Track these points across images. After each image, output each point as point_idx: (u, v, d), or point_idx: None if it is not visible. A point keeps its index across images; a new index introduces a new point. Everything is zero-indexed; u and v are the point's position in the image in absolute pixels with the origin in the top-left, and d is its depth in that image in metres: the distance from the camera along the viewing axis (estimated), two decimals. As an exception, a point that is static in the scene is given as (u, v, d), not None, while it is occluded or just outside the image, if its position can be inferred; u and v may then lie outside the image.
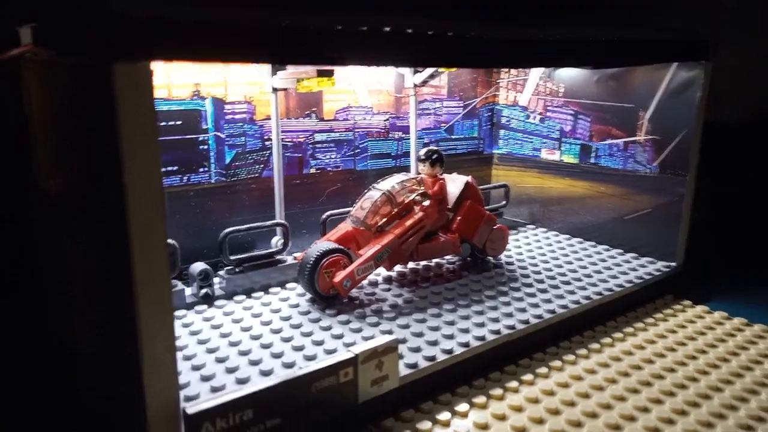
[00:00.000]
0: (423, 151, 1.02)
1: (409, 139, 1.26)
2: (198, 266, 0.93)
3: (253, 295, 0.96)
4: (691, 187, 1.09)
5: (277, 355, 0.76)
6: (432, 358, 0.76)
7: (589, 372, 0.83)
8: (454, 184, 1.07)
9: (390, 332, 0.83)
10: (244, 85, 1.02)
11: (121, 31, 0.47)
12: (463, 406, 0.73)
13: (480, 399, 0.75)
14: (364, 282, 1.01)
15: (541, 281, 1.03)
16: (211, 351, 0.77)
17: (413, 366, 0.74)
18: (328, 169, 1.16)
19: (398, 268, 1.07)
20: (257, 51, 0.56)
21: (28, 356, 0.80)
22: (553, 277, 1.05)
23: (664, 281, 1.09)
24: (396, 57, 0.70)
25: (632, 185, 1.17)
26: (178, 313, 0.88)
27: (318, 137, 1.14)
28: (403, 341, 0.81)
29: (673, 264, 1.11)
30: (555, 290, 0.99)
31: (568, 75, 1.26)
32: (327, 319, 0.87)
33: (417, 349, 0.78)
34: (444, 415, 0.71)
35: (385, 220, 0.95)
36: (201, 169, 1.01)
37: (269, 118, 1.06)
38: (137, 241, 0.50)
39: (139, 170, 0.49)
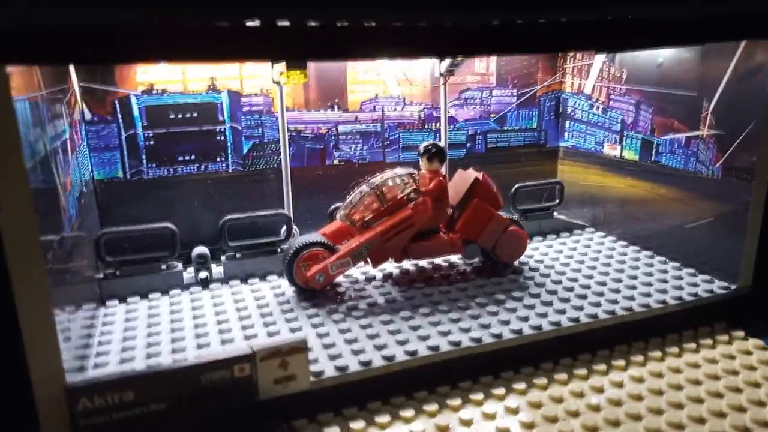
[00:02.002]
0: (421, 146, 0.96)
1: (449, 130, 1.20)
2: (197, 250, 0.99)
3: (250, 281, 1.00)
4: (759, 194, 0.88)
5: (227, 341, 0.79)
6: (379, 359, 0.73)
7: (575, 395, 0.72)
8: (463, 180, 0.99)
9: (349, 330, 0.82)
10: (262, 78, 1.05)
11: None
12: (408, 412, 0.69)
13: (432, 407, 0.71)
14: (356, 276, 1.00)
15: (554, 291, 0.92)
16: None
17: (342, 369, 0.72)
18: (354, 161, 1.16)
19: (401, 266, 1.04)
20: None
21: None
22: (586, 286, 0.93)
23: (716, 305, 0.91)
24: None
25: (694, 188, 0.99)
26: (173, 292, 0.96)
27: (342, 128, 1.13)
28: (354, 340, 0.79)
29: (733, 287, 0.92)
30: (576, 301, 0.88)
31: (631, 58, 1.09)
32: (299, 312, 0.88)
33: (360, 351, 0.76)
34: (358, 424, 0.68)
35: (372, 215, 0.92)
36: (218, 159, 1.07)
37: (288, 110, 1.08)
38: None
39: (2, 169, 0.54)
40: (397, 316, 0.85)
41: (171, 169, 1.04)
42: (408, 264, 1.05)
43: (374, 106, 1.15)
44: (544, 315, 0.85)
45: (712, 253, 0.96)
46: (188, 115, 1.03)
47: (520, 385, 0.75)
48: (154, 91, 1.00)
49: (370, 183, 0.94)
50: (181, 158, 1.04)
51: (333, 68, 1.10)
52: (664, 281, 0.96)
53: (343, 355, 0.76)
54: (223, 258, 1.01)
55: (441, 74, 1.10)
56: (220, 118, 1.05)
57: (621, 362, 0.80)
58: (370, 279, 1.00)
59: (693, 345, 0.84)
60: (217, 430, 0.67)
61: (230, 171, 1.08)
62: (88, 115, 0.97)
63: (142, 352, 0.77)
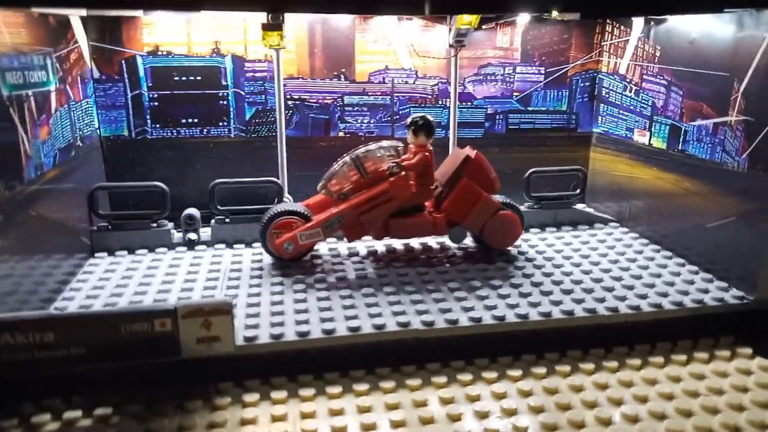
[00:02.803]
0: (409, 118, 0.91)
1: (464, 107, 1.14)
2: (187, 211, 1.00)
3: (235, 246, 1.00)
4: (786, 191, 0.76)
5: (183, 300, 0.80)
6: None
7: (523, 394, 0.66)
8: (455, 158, 0.93)
9: (303, 301, 0.79)
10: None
11: None
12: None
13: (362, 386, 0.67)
14: (341, 251, 0.97)
15: (539, 283, 0.84)
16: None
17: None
18: (360, 133, 1.12)
19: (389, 244, 1.00)
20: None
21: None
22: (577, 281, 0.85)
23: (724, 316, 0.79)
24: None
25: (718, 182, 0.86)
26: (159, 250, 0.98)
27: (348, 100, 1.10)
28: (304, 311, 0.76)
29: (750, 298, 0.80)
30: (562, 295, 0.81)
31: (666, 33, 0.97)
32: (266, 279, 0.86)
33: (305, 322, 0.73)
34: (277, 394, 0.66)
35: (350, 187, 0.89)
36: (221, 124, 1.07)
37: (292, 78, 1.07)
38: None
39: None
40: (359, 292, 0.82)
41: (174, 131, 1.06)
42: (398, 244, 1.00)
43: (384, 78, 1.11)
44: (513, 305, 0.78)
45: (732, 258, 0.84)
46: (192, 78, 1.04)
47: (466, 377, 0.69)
48: (160, 53, 1.02)
49: (352, 153, 0.90)
50: (184, 120, 1.06)
51: (340, 36, 1.07)
52: (671, 284, 0.85)
53: (285, 324, 0.74)
54: (212, 221, 1.02)
55: (450, 45, 1.03)
56: (224, 83, 1.06)
57: (612, 363, 0.72)
58: (353, 255, 0.97)
59: (683, 357, 0.74)
60: (144, 385, 0.67)
61: (232, 136, 1.09)
62: (96, 74, 1.01)
63: (101, 302, 0.80)
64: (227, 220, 1.01)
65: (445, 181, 0.92)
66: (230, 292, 0.82)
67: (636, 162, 1.06)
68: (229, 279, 0.87)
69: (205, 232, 1.02)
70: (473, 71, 1.13)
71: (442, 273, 0.89)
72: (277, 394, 0.66)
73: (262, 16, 0.94)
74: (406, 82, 1.11)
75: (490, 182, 0.93)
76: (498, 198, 0.95)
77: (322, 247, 0.99)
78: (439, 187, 0.92)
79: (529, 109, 1.17)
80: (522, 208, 1.08)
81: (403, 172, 0.88)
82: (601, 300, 0.80)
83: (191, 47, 1.03)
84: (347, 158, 0.90)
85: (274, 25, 0.84)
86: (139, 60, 1.02)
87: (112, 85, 1.03)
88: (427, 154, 0.90)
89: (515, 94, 1.16)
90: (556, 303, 0.79)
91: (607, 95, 1.15)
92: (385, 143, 0.91)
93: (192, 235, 0.99)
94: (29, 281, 0.75)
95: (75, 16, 0.93)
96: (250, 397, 0.66)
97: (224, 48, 1.04)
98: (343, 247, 1.00)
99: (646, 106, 1.03)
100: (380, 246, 1.00)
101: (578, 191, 1.12)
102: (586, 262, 0.94)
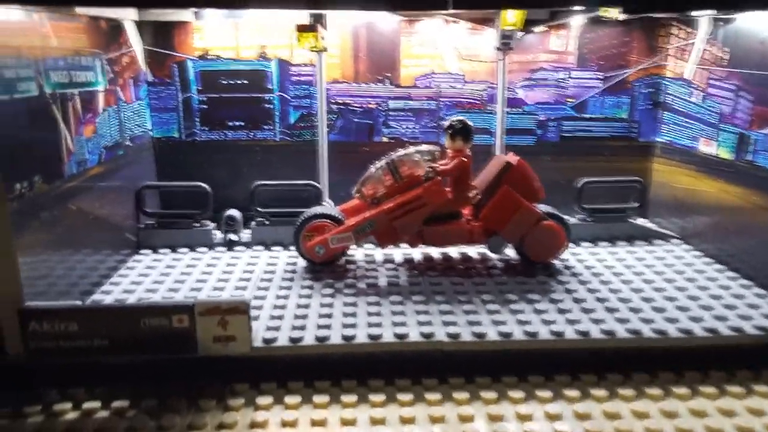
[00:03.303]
0: (446, 121, 0.88)
1: (514, 113, 1.09)
2: (228, 212, 1.01)
3: (273, 248, 1.00)
4: None
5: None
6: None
7: (552, 418, 0.61)
8: (496, 165, 0.89)
9: (329, 306, 0.78)
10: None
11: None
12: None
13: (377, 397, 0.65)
14: (377, 257, 0.95)
15: (581, 299, 0.78)
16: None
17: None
18: (405, 139, 1.10)
19: (427, 252, 0.96)
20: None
21: None
22: (625, 300, 0.79)
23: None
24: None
25: (790, 197, 0.78)
26: (200, 249, 1.00)
27: (392, 104, 1.09)
28: (328, 316, 0.75)
29: (823, 327, 0.71)
30: (605, 314, 0.75)
31: (734, 34, 0.89)
32: (297, 282, 0.86)
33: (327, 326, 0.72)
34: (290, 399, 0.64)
35: (384, 192, 0.87)
36: (266, 127, 1.08)
37: (335, 82, 1.07)
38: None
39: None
40: (386, 299, 0.79)
41: (222, 133, 1.08)
42: (436, 252, 0.97)
43: (430, 83, 1.08)
44: (549, 322, 0.73)
45: (805, 281, 0.75)
46: (239, 82, 1.06)
47: (491, 395, 0.65)
48: (209, 57, 1.05)
49: (388, 157, 0.88)
50: (231, 123, 1.08)
51: (385, 39, 1.06)
52: (732, 307, 0.77)
53: (307, 328, 0.72)
54: (252, 223, 1.02)
55: (497, 48, 0.99)
56: (269, 87, 1.07)
57: (656, 391, 0.65)
58: (387, 261, 0.95)
59: (740, 389, 0.66)
60: (161, 380, 0.67)
61: (277, 140, 1.09)
62: (150, 77, 1.05)
63: (135, 297, 0.81)
64: (267, 222, 1.02)
65: (484, 188, 0.88)
66: (258, 293, 0.82)
67: (701, 174, 0.98)
68: (261, 280, 0.87)
69: (247, 234, 1.03)
70: (524, 76, 1.08)
71: (478, 285, 0.85)
72: (290, 399, 0.65)
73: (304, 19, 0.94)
74: (453, 87, 1.08)
75: (532, 191, 0.88)
76: (543, 208, 0.90)
77: (358, 253, 0.97)
78: (478, 194, 0.88)
79: (585, 116, 1.11)
80: (573, 220, 1.03)
81: (439, 178, 0.85)
82: (649, 321, 0.73)
83: (239, 51, 1.05)
84: (383, 162, 0.88)
85: (309, 27, 0.84)
86: (190, 64, 1.05)
87: (164, 88, 1.06)
88: (464, 159, 0.86)
89: (570, 100, 1.10)
90: (597, 321, 0.73)
91: (671, 102, 1.07)
92: (422, 147, 0.89)
93: (232, 236, 1.00)
94: (73, 273, 0.78)
95: (128, 20, 0.97)
96: (264, 400, 0.65)
97: (270, 52, 1.05)
98: (379, 253, 0.98)
99: (712, 113, 0.94)
100: (417, 254, 0.97)
101: (637, 204, 1.05)
102: (639, 279, 0.87)
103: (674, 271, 0.90)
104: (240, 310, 0.65)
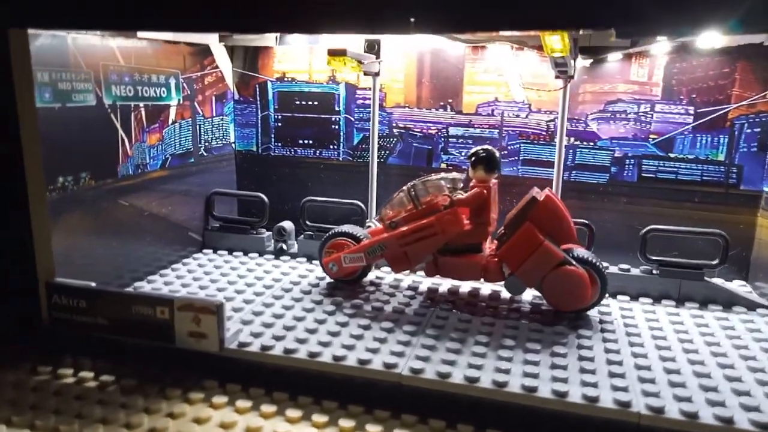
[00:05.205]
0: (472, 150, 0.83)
1: (583, 146, 1.00)
2: (280, 224, 1.07)
3: (314, 262, 1.03)
4: None
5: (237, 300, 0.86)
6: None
7: None
8: (525, 199, 0.82)
9: (322, 322, 0.79)
10: (377, 73, 1.07)
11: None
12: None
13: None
14: (403, 283, 0.93)
15: (589, 358, 0.69)
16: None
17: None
18: (464, 167, 1.06)
19: (455, 284, 0.92)
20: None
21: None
22: (672, 371, 0.68)
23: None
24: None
25: None
26: (251, 254, 1.07)
27: (453, 131, 1.06)
28: (314, 331, 0.76)
29: None
30: (625, 381, 0.65)
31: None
32: (313, 296, 0.88)
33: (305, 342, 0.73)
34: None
35: (402, 217, 0.85)
36: (331, 147, 1.13)
37: (398, 106, 1.08)
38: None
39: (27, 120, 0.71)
40: (378, 324, 0.78)
41: (292, 150, 1.16)
42: (467, 286, 0.92)
43: (492, 110, 1.04)
44: (531, 375, 0.65)
45: None
46: (310, 103, 1.12)
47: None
48: (286, 79, 1.13)
49: (411, 183, 0.87)
50: (301, 141, 1.15)
51: (449, 66, 1.04)
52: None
53: (286, 338, 0.74)
54: (301, 236, 1.07)
55: (557, 76, 0.92)
56: (336, 108, 1.11)
57: None
58: (412, 288, 0.92)
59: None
60: (147, 364, 0.74)
61: (341, 159, 1.13)
62: (236, 95, 1.16)
63: (168, 289, 0.91)
64: (314, 236, 1.06)
65: (507, 223, 0.82)
66: (268, 301, 0.85)
67: (799, 233, 0.80)
68: (282, 290, 0.91)
69: (296, 245, 1.08)
70: (598, 107, 0.99)
71: (487, 324, 0.79)
72: (242, 403, 0.67)
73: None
74: (518, 116, 1.03)
75: (559, 230, 0.80)
76: (581, 253, 0.81)
77: (388, 277, 0.97)
78: (502, 229, 0.83)
79: (671, 155, 0.97)
80: (636, 271, 0.91)
81: (456, 208, 0.81)
82: (684, 399, 0.61)
83: (311, 75, 1.12)
84: (405, 187, 0.87)
85: (338, 51, 0.86)
86: (269, 85, 1.14)
87: (247, 106, 1.16)
88: (483, 190, 0.81)
89: (652, 136, 0.98)
90: (615, 388, 0.64)
91: (779, 144, 0.89)
92: (448, 174, 0.86)
93: (279, 245, 1.06)
94: (125, 261, 0.90)
95: (218, 44, 1.09)
96: (219, 399, 0.68)
97: (339, 76, 1.10)
98: (408, 280, 0.96)
99: (813, 159, 0.77)
100: (445, 286, 0.93)
101: (717, 262, 0.88)
102: (693, 349, 0.73)
103: (745, 346, 0.74)
104: (210, 310, 0.70)
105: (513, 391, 0.63)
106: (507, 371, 0.66)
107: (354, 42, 1.06)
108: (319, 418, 0.64)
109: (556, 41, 0.80)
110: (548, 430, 0.62)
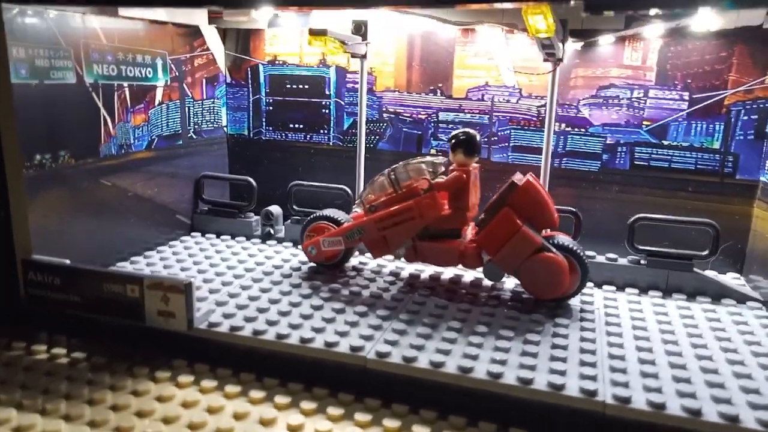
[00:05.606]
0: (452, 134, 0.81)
1: (574, 133, 0.98)
2: (267, 208, 1.07)
3: (299, 246, 1.02)
4: None
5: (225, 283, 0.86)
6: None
7: None
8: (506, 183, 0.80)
9: (297, 305, 0.78)
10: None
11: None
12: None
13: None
14: (386, 269, 0.92)
15: (562, 347, 0.67)
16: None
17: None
18: (453, 153, 1.05)
19: (438, 271, 0.91)
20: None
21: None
22: (646, 361, 0.66)
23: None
24: None
25: None
26: (238, 238, 1.07)
27: (443, 116, 1.04)
28: (287, 314, 0.75)
29: None
30: (593, 370, 0.64)
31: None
32: (293, 279, 0.87)
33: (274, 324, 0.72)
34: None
35: (382, 201, 0.84)
36: (321, 131, 1.12)
37: (388, 90, 1.06)
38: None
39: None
40: (352, 308, 0.77)
41: (283, 134, 1.15)
42: (449, 273, 0.91)
43: (483, 95, 1.02)
44: (500, 362, 0.64)
45: None
46: (301, 87, 1.12)
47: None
48: (277, 62, 1.12)
49: (392, 167, 0.85)
50: (291, 125, 1.14)
51: (440, 49, 1.02)
52: None
53: (258, 320, 0.73)
54: (288, 221, 1.06)
55: (545, 59, 0.89)
56: (327, 93, 1.10)
57: None
58: (394, 275, 0.91)
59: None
60: (118, 342, 0.74)
61: (331, 144, 1.12)
62: (228, 78, 1.16)
63: (149, 270, 0.91)
64: (301, 220, 1.05)
65: (487, 208, 0.80)
66: (245, 284, 0.85)
67: (791, 223, 0.77)
68: (262, 273, 0.90)
69: (283, 229, 1.08)
70: (590, 92, 0.96)
71: (463, 311, 0.78)
72: (207, 383, 0.67)
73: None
74: (508, 101, 1.00)
75: (543, 217, 0.78)
76: (562, 239, 0.79)
77: (371, 263, 0.96)
78: (482, 214, 0.81)
79: (665, 143, 0.94)
80: (623, 261, 0.89)
81: (434, 192, 0.80)
82: (653, 390, 0.60)
83: (302, 58, 1.11)
84: (385, 171, 0.86)
85: (319, 31, 0.85)
86: (261, 68, 1.13)
87: (239, 89, 1.16)
88: (462, 174, 0.80)
89: (645, 123, 0.95)
90: (583, 376, 0.62)
91: (776, 132, 0.86)
92: (429, 158, 0.84)
93: (266, 229, 1.06)
94: (107, 240, 0.90)
95: (209, 26, 1.09)
96: (185, 379, 0.68)
97: (330, 59, 1.09)
98: (391, 266, 0.95)
99: (806, 146, 0.74)
100: (428, 272, 0.92)
101: (706, 252, 0.86)
102: (672, 340, 0.71)
103: (726, 338, 0.72)
104: (178, 289, 0.69)
105: (478, 377, 0.62)
106: (475, 357, 0.65)
107: (345, 24, 1.05)
108: (282, 399, 0.64)
109: (540, 20, 0.78)
110: (514, 417, 0.61)
